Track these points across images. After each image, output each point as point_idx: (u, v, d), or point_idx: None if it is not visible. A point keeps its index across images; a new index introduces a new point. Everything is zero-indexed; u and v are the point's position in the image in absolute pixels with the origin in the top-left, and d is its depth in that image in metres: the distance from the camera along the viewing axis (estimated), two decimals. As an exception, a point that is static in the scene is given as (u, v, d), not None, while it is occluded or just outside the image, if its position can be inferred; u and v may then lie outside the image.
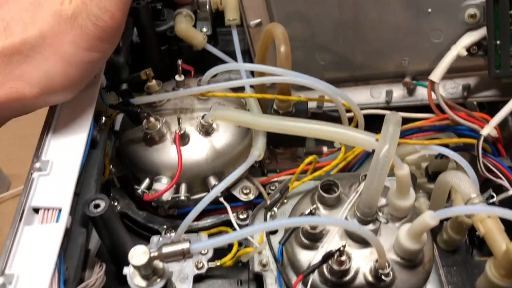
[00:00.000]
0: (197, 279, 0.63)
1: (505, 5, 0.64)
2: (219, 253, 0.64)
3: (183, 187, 0.65)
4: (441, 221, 0.73)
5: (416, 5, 0.73)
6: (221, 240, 0.46)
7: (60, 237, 0.47)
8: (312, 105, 0.82)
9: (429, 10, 0.73)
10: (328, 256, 0.50)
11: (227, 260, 0.62)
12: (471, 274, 0.67)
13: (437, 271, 0.62)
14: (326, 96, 0.68)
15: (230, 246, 0.65)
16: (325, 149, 0.78)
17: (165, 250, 0.45)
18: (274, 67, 0.65)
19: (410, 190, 0.55)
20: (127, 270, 0.47)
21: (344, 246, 0.50)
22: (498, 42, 0.67)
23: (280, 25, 0.70)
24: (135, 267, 0.45)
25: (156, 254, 0.45)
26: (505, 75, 0.68)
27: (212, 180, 0.66)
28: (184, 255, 0.45)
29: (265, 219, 0.61)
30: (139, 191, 0.64)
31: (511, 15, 0.65)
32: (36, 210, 0.50)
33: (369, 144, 0.55)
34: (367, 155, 0.75)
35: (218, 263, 0.62)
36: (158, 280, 0.47)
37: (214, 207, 0.68)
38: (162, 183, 0.64)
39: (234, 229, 0.66)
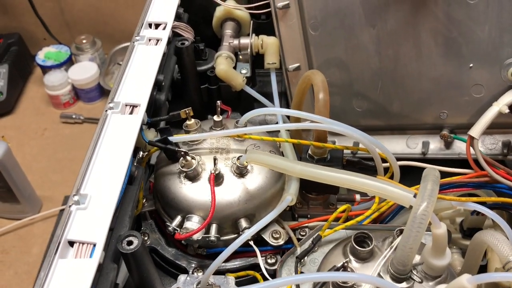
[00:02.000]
0: (223, 323, 0.62)
1: (550, 66, 0.64)
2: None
3: (213, 228, 0.65)
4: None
5: (458, 59, 0.74)
6: (250, 288, 0.46)
7: (93, 273, 0.48)
8: (347, 151, 0.82)
9: (471, 65, 0.73)
10: (358, 314, 0.49)
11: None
12: None
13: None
14: (361, 145, 0.68)
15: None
16: (358, 197, 0.77)
17: (196, 295, 0.45)
18: (311, 113, 0.66)
19: (446, 249, 0.54)
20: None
21: (376, 305, 0.49)
22: (541, 101, 0.66)
23: (320, 73, 0.71)
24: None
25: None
26: (548, 135, 0.67)
27: (243, 222, 0.66)
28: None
29: (296, 271, 0.60)
30: (170, 228, 0.64)
31: (556, 76, 0.64)
32: (71, 243, 0.51)
33: (407, 200, 0.54)
34: (401, 207, 0.73)
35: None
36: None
37: (243, 249, 0.68)
38: (194, 222, 0.64)
39: (262, 274, 0.65)
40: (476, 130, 0.70)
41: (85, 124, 1.72)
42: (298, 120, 0.73)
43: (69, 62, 1.81)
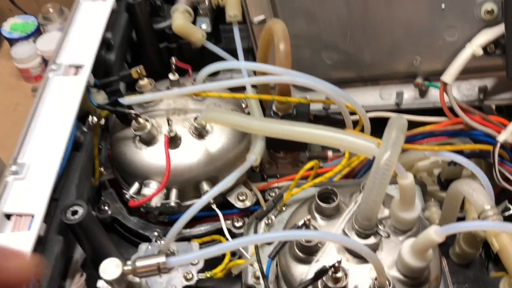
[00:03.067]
0: (186, 291, 0.59)
1: (525, 0, 0.59)
2: (211, 263, 0.60)
3: (173, 193, 0.61)
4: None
5: (429, 1, 0.69)
6: (201, 254, 0.42)
7: (31, 245, 0.44)
8: (317, 107, 0.78)
9: (443, 6, 0.68)
10: (321, 272, 0.46)
11: (218, 271, 0.58)
12: (484, 293, 0.61)
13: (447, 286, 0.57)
14: (328, 98, 0.64)
15: (223, 256, 0.61)
16: (330, 153, 0.73)
17: (139, 263, 0.41)
18: (272, 66, 0.61)
19: (415, 202, 0.50)
20: (100, 284, 0.43)
21: (339, 262, 0.46)
22: (517, 40, 0.62)
23: (280, 21, 0.65)
24: (107, 282, 0.42)
25: (129, 268, 0.41)
26: (525, 76, 0.63)
27: (205, 186, 0.62)
28: (160, 270, 0.41)
29: (255, 231, 0.56)
30: (127, 195, 0.61)
31: (532, 11, 0.59)
32: (8, 216, 0.47)
33: (370, 150, 0.50)
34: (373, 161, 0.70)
35: (208, 274, 0.58)
36: (134, 295, 0.43)
37: (208, 214, 0.64)
38: (151, 188, 0.60)
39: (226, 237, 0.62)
40: (449, 75, 0.66)
41: (58, 97, 1.65)
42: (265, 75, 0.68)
43: (37, 33, 1.72)
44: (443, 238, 0.45)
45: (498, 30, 0.64)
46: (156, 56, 0.79)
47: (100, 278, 0.46)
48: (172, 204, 0.60)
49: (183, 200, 0.62)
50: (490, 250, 0.67)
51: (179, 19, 0.74)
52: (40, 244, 0.47)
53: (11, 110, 1.64)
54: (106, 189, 0.70)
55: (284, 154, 0.71)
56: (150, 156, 0.61)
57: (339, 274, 0.46)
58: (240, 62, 0.70)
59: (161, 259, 0.41)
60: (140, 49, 0.78)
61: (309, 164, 0.63)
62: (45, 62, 1.69)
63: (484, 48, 0.66)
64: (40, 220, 0.46)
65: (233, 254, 0.61)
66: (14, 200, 0.47)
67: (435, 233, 0.44)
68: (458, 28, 0.69)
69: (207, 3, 0.78)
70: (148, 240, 0.65)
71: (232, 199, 0.65)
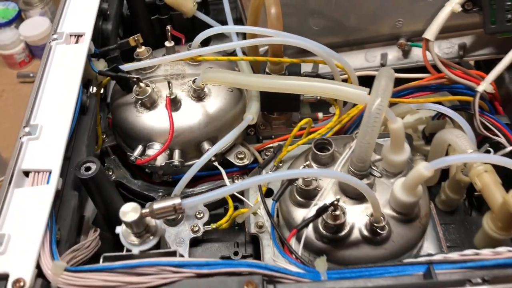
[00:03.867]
0: (194, 243, 0.63)
1: (499, -43, 0.63)
2: (216, 218, 0.64)
3: (176, 153, 0.64)
4: (439, 182, 0.73)
5: (408, -39, 0.72)
6: (212, 195, 0.46)
7: (51, 198, 0.47)
8: (307, 69, 0.81)
9: (422, -34, 0.72)
10: (322, 210, 0.50)
11: (223, 222, 0.61)
12: (469, 231, 0.66)
13: (435, 228, 0.61)
14: (319, 58, 0.67)
15: (226, 211, 0.65)
16: (320, 115, 0.77)
17: (156, 206, 0.45)
18: (264, 28, 0.64)
19: (405, 145, 0.55)
20: (119, 229, 0.47)
21: (338, 200, 0.50)
22: (493, -4, 0.66)
23: (270, -14, 0.68)
24: (127, 224, 0.45)
25: (147, 210, 0.45)
26: (501, 30, 0.67)
27: (206, 146, 0.65)
28: (176, 210, 0.45)
29: (261, 191, 0.60)
30: (132, 157, 0.64)
31: (505, -33, 0.64)
32: (26, 174, 0.50)
33: (362, 98, 0.54)
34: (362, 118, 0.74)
35: (213, 226, 0.61)
36: (151, 237, 0.47)
37: (210, 173, 0.68)
38: (155, 150, 0.63)
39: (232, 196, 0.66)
40: (430, 32, 0.70)
41: (44, 82, 1.66)
42: (255, 37, 0.71)
43: (18, 18, 1.72)
44: (432, 172, 0.49)
45: (475, -13, 0.68)
46: (148, 28, 0.82)
47: (115, 234, 0.50)
48: (176, 163, 0.63)
49: (186, 160, 0.65)
50: (473, 197, 0.73)
51: (170, -10, 0.77)
52: (58, 198, 0.50)
53: (-3, 97, 1.64)
54: (109, 156, 0.72)
55: (277, 115, 0.74)
56: (152, 119, 0.64)
57: (338, 212, 0.50)
58: (234, 26, 0.73)
59: (177, 200, 0.45)
60: (132, 21, 0.80)
61: (303, 121, 0.66)
62: (28, 47, 1.69)
63: (462, 6, 0.69)
64: (57, 174, 0.49)
65: (236, 208, 0.65)
66: (30, 158, 0.50)
67: (424, 168, 0.49)
68: (438, -12, 0.72)
69: (196, -27, 0.80)
70: (153, 200, 0.68)
71: (231, 158, 0.68)
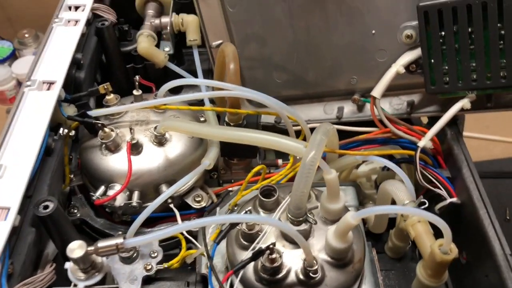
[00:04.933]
0: (147, 281, 0.66)
1: (435, 27, 0.70)
2: (171, 258, 0.68)
3: (135, 194, 0.69)
4: (387, 230, 0.77)
5: (361, 27, 0.79)
6: (156, 235, 0.50)
7: (6, 233, 0.51)
8: (269, 120, 0.87)
9: (373, 31, 0.79)
10: (258, 253, 0.54)
11: (174, 262, 0.65)
12: (408, 277, 0.70)
13: (374, 274, 0.65)
14: (273, 110, 0.73)
15: (179, 250, 0.68)
16: (280, 161, 0.82)
17: (101, 244, 0.49)
18: (223, 82, 0.70)
19: (340, 194, 0.59)
20: (67, 265, 0.51)
21: (274, 244, 0.54)
22: (432, 60, 0.72)
23: (231, 45, 0.75)
24: (73, 260, 0.49)
25: (92, 248, 0.49)
26: (440, 91, 0.73)
27: (164, 188, 0.70)
28: (118, 249, 0.49)
29: (204, 234, 0.64)
30: (94, 197, 0.68)
31: (441, 36, 0.70)
32: (-13, 211, 0.54)
33: (299, 150, 0.59)
34: (316, 166, 0.79)
35: (165, 265, 0.65)
36: (96, 274, 0.50)
37: (167, 215, 0.72)
38: (115, 190, 0.68)
39: (185, 237, 0.70)
40: (377, 90, 0.76)
41: (32, 118, 1.71)
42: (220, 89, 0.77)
43: (12, 57, 1.80)
44: (358, 220, 0.54)
45: (417, 52, 0.75)
46: (123, 75, 0.88)
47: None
48: (134, 204, 0.68)
49: (145, 201, 0.70)
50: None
51: (144, 42, 0.83)
52: (15, 234, 0.54)
53: (-15, 131, 1.69)
54: (76, 194, 0.77)
55: (237, 161, 0.79)
56: (115, 162, 0.69)
57: (274, 255, 0.55)
58: (196, 79, 0.79)
59: (119, 239, 0.49)
60: (108, 69, 0.87)
61: (257, 168, 0.71)
62: (19, 84, 1.76)
63: (407, 68, 0.76)
64: (15, 212, 0.53)
65: (190, 248, 0.69)
66: (-9, 196, 0.55)
67: (351, 217, 0.53)
68: (387, 51, 0.79)
69: (169, 28, 0.87)
70: (113, 238, 0.72)
71: (189, 200, 0.73)
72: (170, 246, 0.71)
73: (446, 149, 0.77)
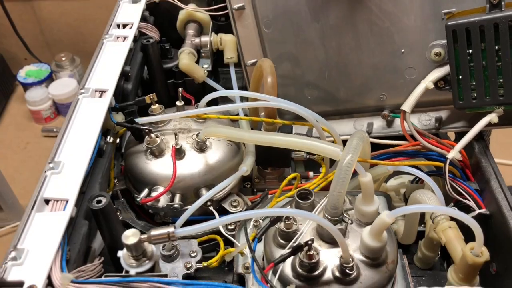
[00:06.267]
0: (186, 279, 0.69)
1: (463, 45, 0.74)
2: (207, 260, 0.71)
3: (177, 197, 0.73)
4: (416, 242, 0.79)
5: (391, 46, 0.83)
6: (202, 226, 0.54)
7: (65, 222, 0.55)
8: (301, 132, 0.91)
9: (402, 50, 0.83)
10: (297, 248, 0.57)
11: (213, 261, 0.68)
12: (438, 283, 0.72)
13: (406, 279, 0.67)
14: (308, 121, 0.77)
15: (218, 250, 0.72)
16: (311, 174, 0.86)
17: (154, 232, 0.53)
18: (261, 93, 0.75)
19: (374, 197, 0.62)
20: (121, 253, 0.54)
21: (312, 240, 0.57)
22: (460, 76, 0.76)
23: (268, 60, 0.80)
24: (127, 247, 0.53)
25: (145, 236, 0.52)
26: (468, 106, 0.77)
27: (204, 192, 0.74)
28: (170, 237, 0.52)
29: (245, 229, 0.67)
30: (138, 199, 0.72)
31: (469, 53, 0.74)
32: (47, 201, 0.58)
33: (336, 153, 0.63)
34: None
35: (205, 263, 0.68)
36: (147, 261, 0.54)
37: (206, 218, 0.75)
38: (158, 192, 0.72)
39: (223, 237, 0.73)
40: (407, 105, 0.80)
41: (65, 137, 1.78)
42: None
43: (49, 79, 1.89)
44: (393, 219, 0.56)
45: (446, 69, 0.79)
46: (164, 90, 0.94)
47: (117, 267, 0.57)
48: (176, 205, 0.72)
49: (186, 204, 0.74)
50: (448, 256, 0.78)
51: (185, 59, 0.89)
52: (71, 224, 0.58)
53: (21, 148, 1.77)
54: (118, 198, 0.81)
55: (271, 170, 0.83)
56: (158, 166, 0.73)
57: (312, 252, 0.58)
58: (234, 91, 0.84)
59: (171, 229, 0.53)
60: (151, 83, 0.92)
61: (291, 175, 0.75)
62: (55, 105, 1.84)
63: (436, 84, 0.80)
64: (73, 203, 0.57)
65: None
66: (51, 189, 0.59)
67: (386, 216, 0.56)
68: (416, 68, 0.83)
69: (208, 47, 0.93)
70: (153, 240, 0.75)
71: (226, 205, 0.77)
72: (207, 248, 0.75)
73: (474, 163, 0.80)
